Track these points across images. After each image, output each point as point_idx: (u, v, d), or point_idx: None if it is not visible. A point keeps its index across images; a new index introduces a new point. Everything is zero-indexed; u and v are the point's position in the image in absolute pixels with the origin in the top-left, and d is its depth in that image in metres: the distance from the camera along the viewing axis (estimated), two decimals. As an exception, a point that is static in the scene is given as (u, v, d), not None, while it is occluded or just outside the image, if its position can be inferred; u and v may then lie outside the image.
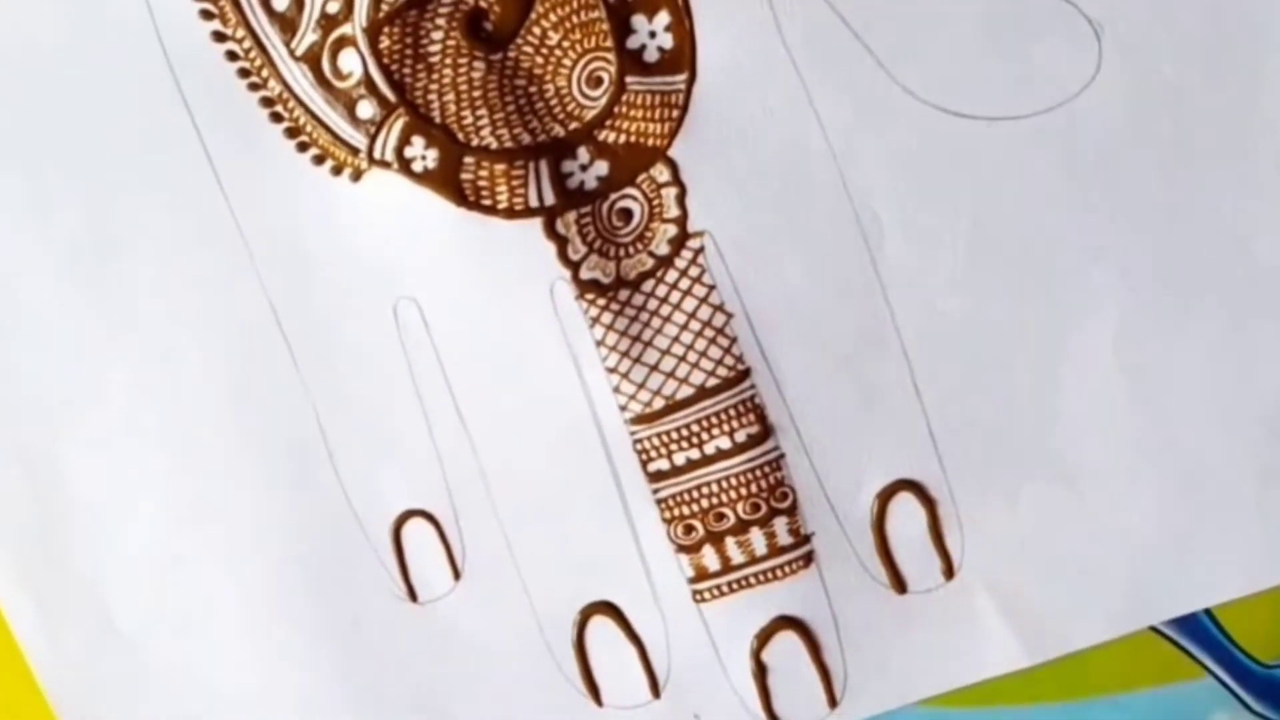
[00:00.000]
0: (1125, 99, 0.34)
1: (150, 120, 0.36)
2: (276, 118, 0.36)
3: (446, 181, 0.35)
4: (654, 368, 0.36)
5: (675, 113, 0.35)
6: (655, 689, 0.38)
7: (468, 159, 0.35)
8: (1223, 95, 0.34)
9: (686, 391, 0.36)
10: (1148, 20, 0.34)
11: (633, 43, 0.35)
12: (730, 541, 0.37)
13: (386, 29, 0.34)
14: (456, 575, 0.38)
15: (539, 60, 0.35)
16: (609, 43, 0.35)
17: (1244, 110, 0.34)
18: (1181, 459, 0.35)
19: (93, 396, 0.38)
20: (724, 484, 0.36)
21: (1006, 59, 0.34)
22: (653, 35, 0.35)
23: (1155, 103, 0.34)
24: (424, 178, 0.35)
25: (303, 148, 0.36)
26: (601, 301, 0.36)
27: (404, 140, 0.35)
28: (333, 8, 0.35)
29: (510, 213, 0.35)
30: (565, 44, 0.35)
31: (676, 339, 0.36)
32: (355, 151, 0.36)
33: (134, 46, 0.36)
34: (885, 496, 0.36)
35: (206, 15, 0.35)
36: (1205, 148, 0.34)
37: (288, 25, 0.35)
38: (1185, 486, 0.35)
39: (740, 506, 0.36)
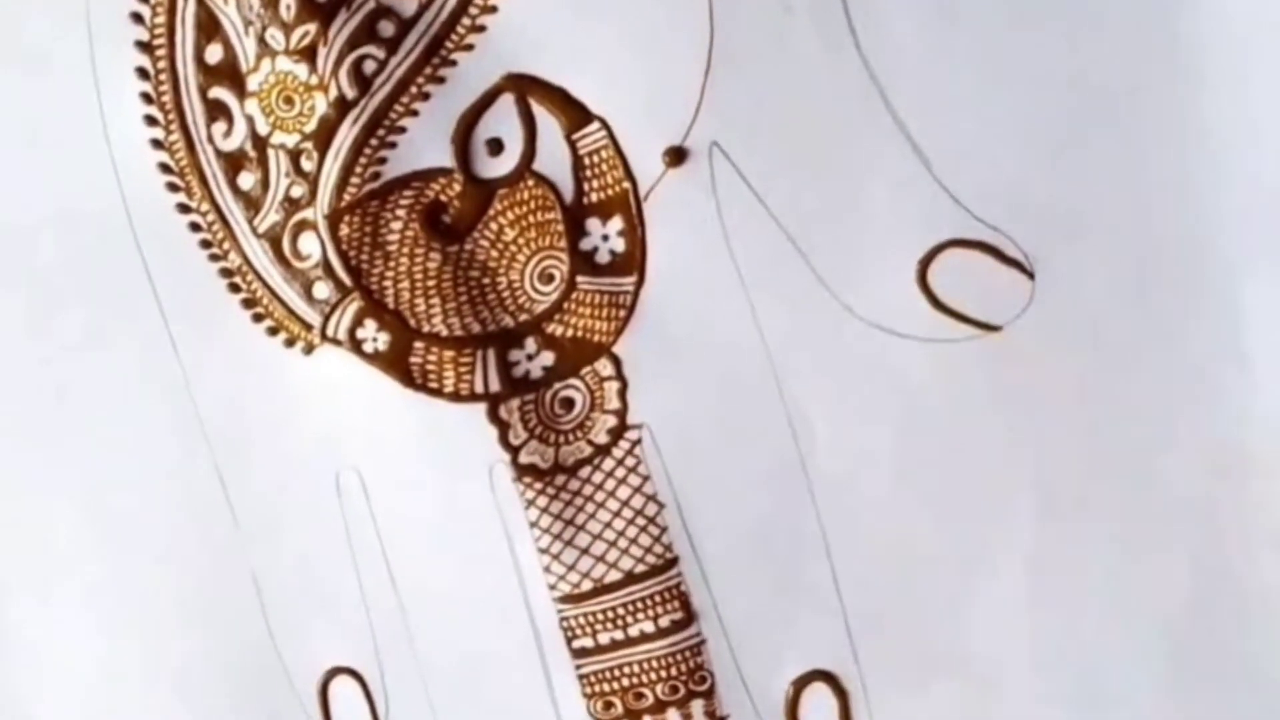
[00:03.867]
0: (1053, 331, 0.35)
1: (111, 283, 0.37)
2: (235, 288, 0.37)
3: (395, 364, 0.36)
4: (585, 551, 0.37)
5: (622, 312, 0.36)
6: None
7: (418, 344, 0.36)
8: (1145, 334, 0.35)
9: (615, 576, 0.37)
10: (1080, 260, 0.35)
11: (585, 244, 0.36)
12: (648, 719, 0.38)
13: (347, 217, 0.35)
14: (379, 732, 0.39)
15: (494, 254, 0.36)
16: (563, 243, 0.36)
17: (1165, 348, 0.35)
18: (1086, 671, 0.37)
19: (37, 541, 0.39)
20: (645, 665, 0.37)
21: (943, 285, 0.35)
22: (605, 239, 0.36)
23: (1082, 336, 0.35)
24: (374, 358, 0.36)
25: (258, 318, 0.37)
26: (538, 485, 0.37)
27: (357, 322, 0.36)
28: (296, 192, 0.36)
29: (456, 396, 0.36)
30: (520, 241, 0.36)
31: (609, 525, 0.37)
32: (309, 327, 0.36)
33: (99, 212, 0.37)
34: (800, 684, 0.37)
35: (173, 188, 0.36)
36: (1125, 381, 0.36)
37: (251, 203, 0.36)
38: (1089, 696, 0.37)
39: (660, 687, 0.37)
